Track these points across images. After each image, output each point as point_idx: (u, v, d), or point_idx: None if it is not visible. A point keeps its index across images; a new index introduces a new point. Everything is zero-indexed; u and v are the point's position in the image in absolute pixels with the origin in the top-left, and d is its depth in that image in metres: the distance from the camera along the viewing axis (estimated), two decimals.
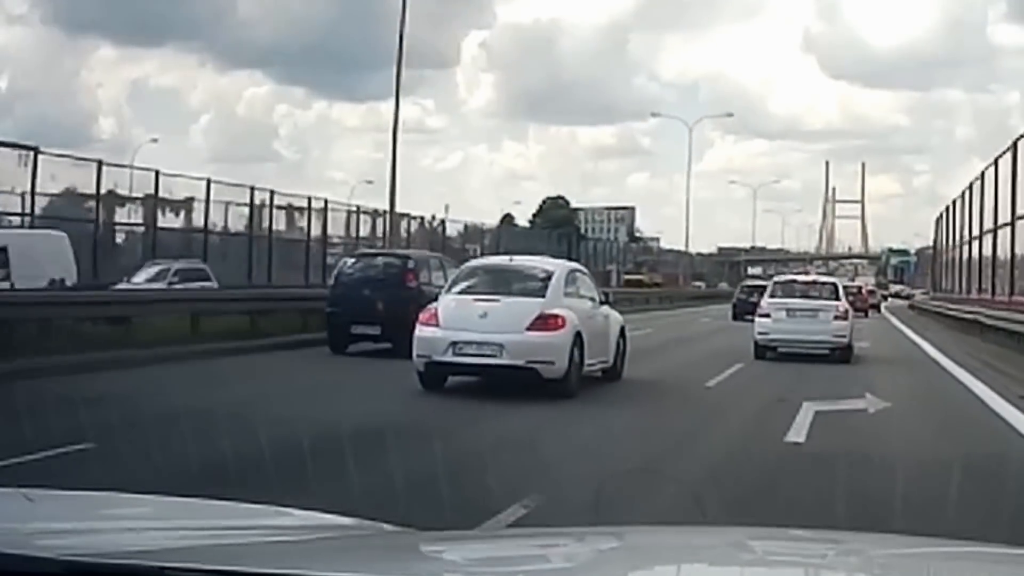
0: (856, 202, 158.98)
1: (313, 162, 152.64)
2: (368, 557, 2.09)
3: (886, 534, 2.87)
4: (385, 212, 37.43)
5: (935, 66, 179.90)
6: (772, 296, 20.02)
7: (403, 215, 39.94)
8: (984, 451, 8.93)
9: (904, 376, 16.77)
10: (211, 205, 29.43)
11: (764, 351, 18.85)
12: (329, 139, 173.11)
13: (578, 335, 12.49)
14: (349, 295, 17.43)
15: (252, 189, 31.98)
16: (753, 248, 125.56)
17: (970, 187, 29.98)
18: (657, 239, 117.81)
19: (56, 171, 24.47)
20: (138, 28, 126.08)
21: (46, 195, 24.49)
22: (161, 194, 28.07)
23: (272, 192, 33.37)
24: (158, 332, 17.08)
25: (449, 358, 12.21)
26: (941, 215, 42.42)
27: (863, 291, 48.42)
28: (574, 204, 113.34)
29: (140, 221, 27.80)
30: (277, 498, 2.77)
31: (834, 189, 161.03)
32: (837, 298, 19.72)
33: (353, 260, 19.18)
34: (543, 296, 12.63)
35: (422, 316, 12.73)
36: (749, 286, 38.59)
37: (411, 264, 17.55)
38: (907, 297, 77.54)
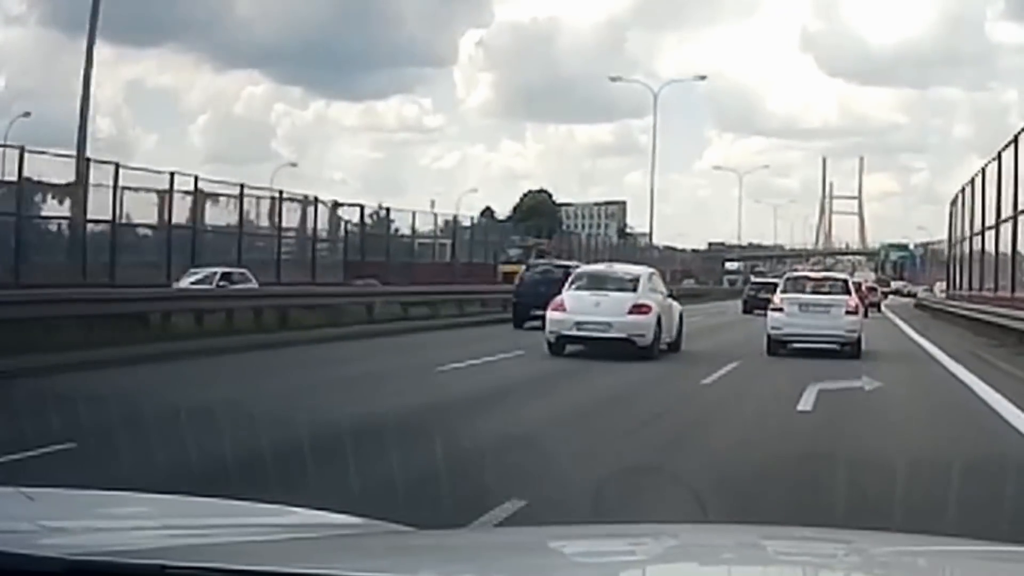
0: (853, 198, 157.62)
1: (311, 161, 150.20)
2: (370, 555, 2.11)
3: (890, 532, 2.98)
4: (315, 200, 33.60)
5: (933, 64, 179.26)
6: (784, 292, 20.43)
7: (340, 204, 36.02)
8: None
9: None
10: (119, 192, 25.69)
11: (778, 346, 19.40)
12: (327, 138, 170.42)
13: (658, 317, 18.14)
14: (528, 291, 25.17)
15: (172, 175, 27.70)
16: (750, 245, 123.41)
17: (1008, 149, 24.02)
18: (648, 235, 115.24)
19: None
20: (135, 28, 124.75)
21: None
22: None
23: (196, 178, 28.96)
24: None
25: (574, 332, 17.92)
26: (958, 196, 35.91)
27: (862, 288, 43.55)
28: (566, 199, 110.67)
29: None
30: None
31: (831, 184, 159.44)
32: (848, 293, 20.31)
33: (531, 267, 28.88)
34: (635, 291, 18.34)
35: (552, 304, 18.46)
36: (757, 283, 43.66)
37: (568, 271, 22.48)
38: (909, 295, 73.41)
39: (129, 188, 26.11)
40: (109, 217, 25.37)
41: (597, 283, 18.88)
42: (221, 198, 31.05)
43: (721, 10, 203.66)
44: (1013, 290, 23.25)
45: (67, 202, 25.10)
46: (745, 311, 37.59)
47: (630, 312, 17.72)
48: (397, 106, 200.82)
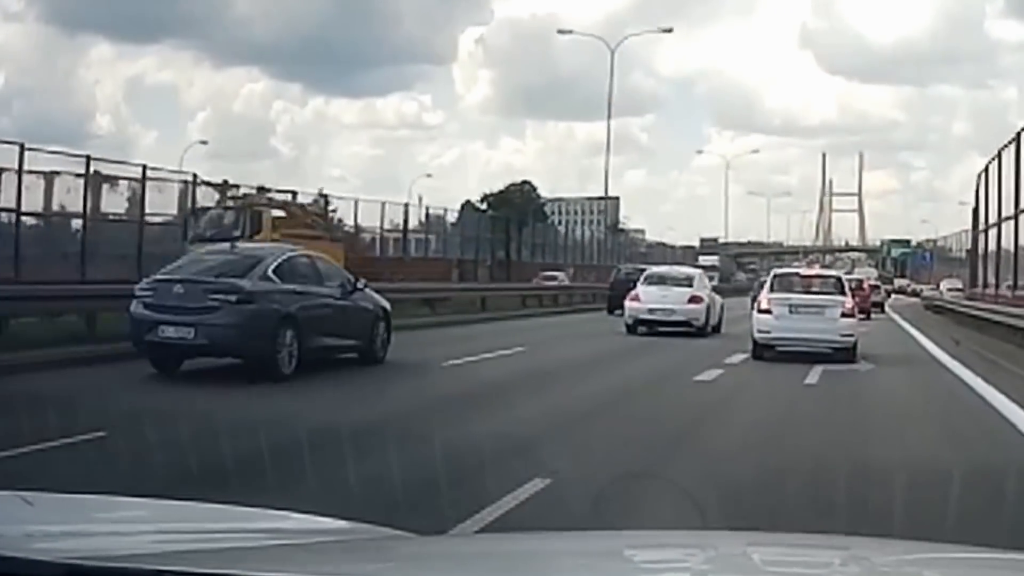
0: (853, 195, 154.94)
1: (311, 159, 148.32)
2: (367, 561, 2.12)
3: (890, 539, 3.04)
4: (235, 189, 29.58)
5: (933, 62, 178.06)
6: (772, 291, 18.78)
7: (266, 191, 31.75)
8: None
9: None
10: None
11: (763, 350, 17.96)
12: (326, 135, 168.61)
13: (707, 307, 24.05)
14: (620, 287, 30.60)
15: (89, 159, 24.18)
16: (749, 242, 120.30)
17: None
18: (642, 231, 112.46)
19: None
20: (134, 25, 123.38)
21: None
22: None
23: (88, 158, 24.59)
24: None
25: (648, 317, 23.74)
26: (989, 167, 30.23)
27: (864, 285, 38.69)
28: (558, 194, 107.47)
29: None
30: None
31: (831, 181, 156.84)
32: (843, 293, 18.73)
33: (622, 270, 36.76)
34: (691, 287, 24.24)
35: (630, 296, 24.68)
36: (763, 283, 44.38)
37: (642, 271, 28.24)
38: (914, 293, 68.95)
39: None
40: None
41: (663, 280, 24.86)
42: (121, 182, 26.88)
43: (720, 8, 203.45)
44: None
45: None
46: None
47: (689, 302, 23.74)
48: (397, 103, 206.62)
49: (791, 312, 17.91)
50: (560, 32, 57.70)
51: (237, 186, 30.89)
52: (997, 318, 23.62)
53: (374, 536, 2.46)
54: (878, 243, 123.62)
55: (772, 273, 20.75)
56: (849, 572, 2.20)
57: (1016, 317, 21.23)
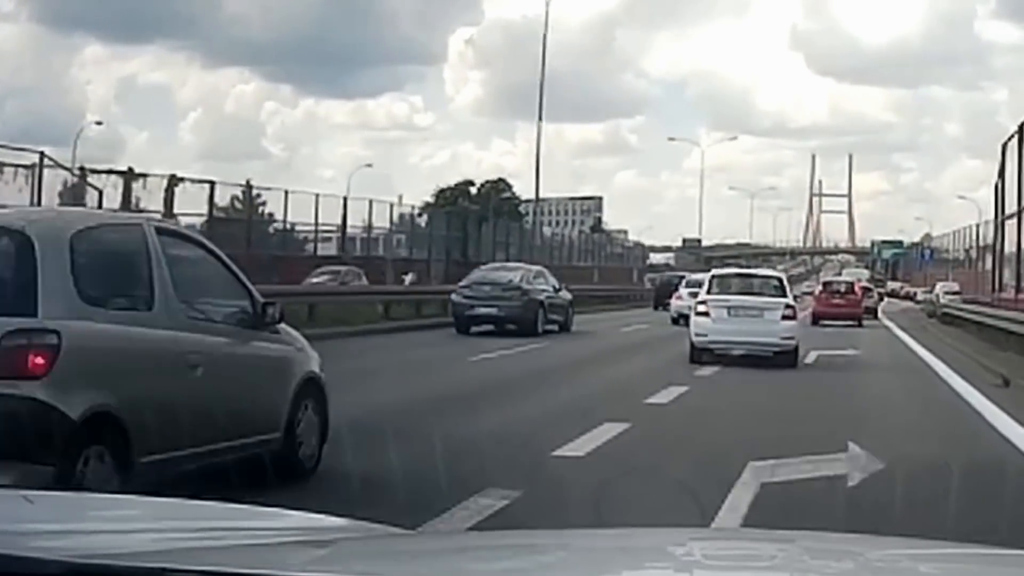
0: (843, 196, 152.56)
1: (302, 159, 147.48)
2: (369, 559, 2.11)
3: (886, 537, 2.97)
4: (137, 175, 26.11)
5: (924, 63, 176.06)
6: (710, 292, 18.09)
7: (179, 180, 28.08)
8: None
9: None
10: None
11: (701, 354, 17.07)
12: (317, 136, 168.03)
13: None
14: (664, 287, 39.15)
15: None
16: (738, 244, 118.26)
17: None
18: (625, 231, 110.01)
19: None
20: (125, 25, 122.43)
21: None
22: None
23: None
24: None
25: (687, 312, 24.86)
26: (1015, 137, 27.72)
27: (855, 289, 35.62)
28: (547, 195, 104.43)
29: None
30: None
31: (820, 182, 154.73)
32: (784, 295, 18.02)
33: (666, 275, 44.76)
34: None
35: (675, 296, 31.14)
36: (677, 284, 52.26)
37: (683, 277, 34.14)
38: (907, 296, 65.40)
39: None
40: None
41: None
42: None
43: (711, 9, 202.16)
44: None
45: None
46: None
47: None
48: (388, 104, 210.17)
49: (729, 314, 17.23)
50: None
51: (97, 171, 27.08)
52: None
53: (374, 534, 2.43)
54: (868, 244, 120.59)
55: (711, 274, 19.73)
56: (844, 568, 2.19)
57: None
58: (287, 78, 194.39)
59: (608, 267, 64.23)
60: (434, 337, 21.93)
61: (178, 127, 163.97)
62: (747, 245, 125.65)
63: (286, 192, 31.14)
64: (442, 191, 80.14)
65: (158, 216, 27.63)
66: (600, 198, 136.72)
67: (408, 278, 34.26)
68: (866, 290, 39.75)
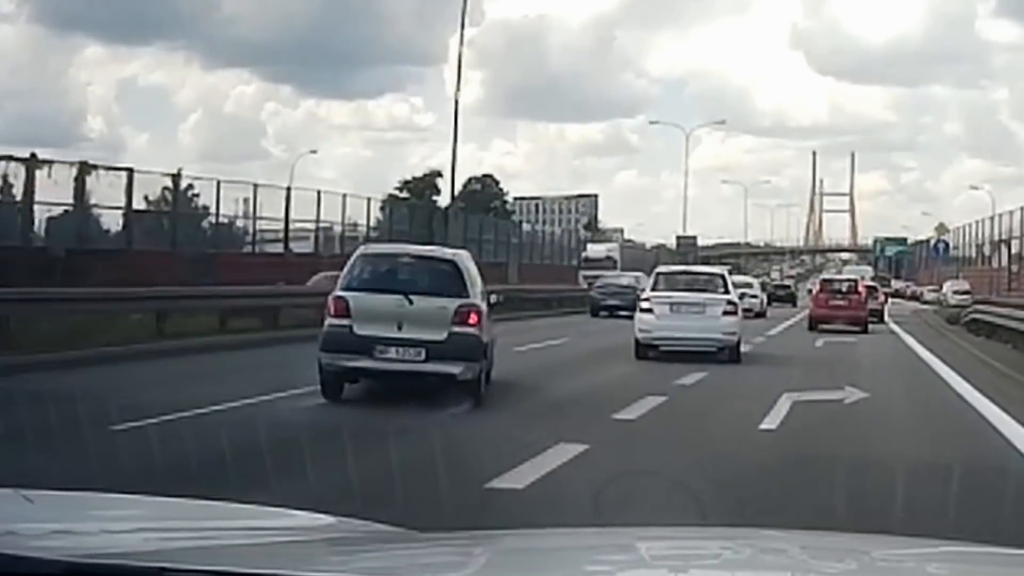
0: (844, 195, 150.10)
1: (302, 160, 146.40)
2: (370, 559, 2.11)
3: (888, 536, 3.01)
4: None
5: (924, 62, 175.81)
6: (655, 289, 18.50)
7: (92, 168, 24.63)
8: None
9: None
10: None
11: (646, 350, 17.53)
12: (318, 137, 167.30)
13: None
14: (607, 290, 37.06)
15: None
16: (739, 243, 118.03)
17: None
18: (620, 230, 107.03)
19: None
20: (125, 26, 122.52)
21: None
22: None
23: None
24: None
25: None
26: None
27: (858, 288, 30.06)
28: (537, 192, 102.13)
29: None
30: None
31: (821, 181, 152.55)
32: (726, 291, 18.28)
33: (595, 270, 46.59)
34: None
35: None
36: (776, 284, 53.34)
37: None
38: (913, 297, 61.74)
39: None
40: None
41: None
42: None
43: (711, 8, 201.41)
44: None
45: None
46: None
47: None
48: (388, 105, 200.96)
49: (672, 311, 17.68)
50: None
51: None
52: None
53: (370, 533, 2.43)
54: (870, 243, 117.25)
55: (656, 271, 20.20)
56: (848, 568, 2.18)
57: None
58: (287, 79, 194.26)
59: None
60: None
61: (178, 128, 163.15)
62: (747, 244, 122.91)
63: (218, 182, 27.58)
64: (407, 182, 75.41)
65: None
66: (595, 196, 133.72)
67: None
68: (870, 289, 33.55)
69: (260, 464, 6.56)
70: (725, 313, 17.52)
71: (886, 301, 39.09)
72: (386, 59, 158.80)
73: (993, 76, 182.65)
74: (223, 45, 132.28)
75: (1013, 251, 31.42)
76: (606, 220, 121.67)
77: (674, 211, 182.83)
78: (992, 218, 43.19)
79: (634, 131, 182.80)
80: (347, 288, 11.45)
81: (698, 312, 17.51)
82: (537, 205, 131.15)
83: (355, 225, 35.29)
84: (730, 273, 22.67)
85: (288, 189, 31.09)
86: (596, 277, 40.98)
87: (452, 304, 11.24)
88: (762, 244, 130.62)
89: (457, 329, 11.12)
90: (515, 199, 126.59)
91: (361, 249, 13.00)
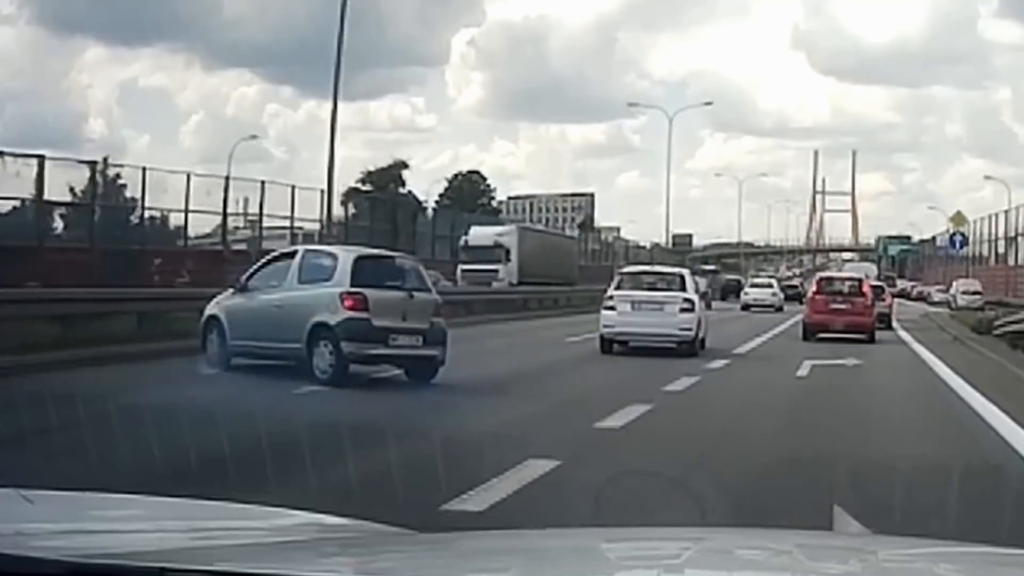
0: (846, 194, 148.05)
1: (303, 161, 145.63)
2: (369, 559, 2.11)
3: (892, 536, 2.93)
4: None
5: (927, 62, 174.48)
6: (618, 288, 19.73)
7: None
8: None
9: None
10: None
11: (611, 344, 18.77)
12: (319, 138, 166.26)
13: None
14: (729, 288, 46.16)
15: None
16: (740, 243, 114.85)
17: None
18: (617, 229, 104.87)
19: None
20: (126, 28, 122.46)
21: None
22: None
23: None
24: None
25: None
26: None
27: (863, 289, 25.27)
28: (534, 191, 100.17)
29: None
30: None
31: (823, 180, 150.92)
32: (684, 289, 19.36)
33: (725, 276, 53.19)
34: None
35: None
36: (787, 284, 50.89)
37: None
38: (921, 297, 58.73)
39: None
40: None
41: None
42: None
43: (713, 10, 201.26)
44: None
45: None
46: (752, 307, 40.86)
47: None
48: (389, 106, 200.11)
49: (633, 308, 18.78)
50: None
51: None
52: None
53: (373, 533, 2.44)
54: (872, 242, 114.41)
55: (620, 271, 21.42)
56: (852, 569, 2.16)
57: None
58: (288, 80, 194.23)
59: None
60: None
61: (179, 130, 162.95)
62: (747, 244, 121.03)
63: (143, 169, 24.57)
64: (370, 173, 71.02)
65: None
66: (591, 195, 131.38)
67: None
68: (876, 289, 28.64)
69: None
70: (682, 310, 18.60)
71: (893, 303, 35.24)
72: (387, 60, 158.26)
73: (995, 76, 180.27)
74: (224, 46, 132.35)
75: None
76: (607, 220, 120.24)
77: (675, 212, 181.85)
78: (1008, 211, 40.15)
79: (636, 132, 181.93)
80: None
81: (656, 309, 18.68)
82: (531, 204, 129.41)
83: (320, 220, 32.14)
84: (716, 273, 24.05)
85: (227, 179, 27.81)
86: (479, 273, 34.37)
87: (433, 298, 13.64)
88: (762, 244, 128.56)
89: (435, 320, 13.31)
90: (509, 198, 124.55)
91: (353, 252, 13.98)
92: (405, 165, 69.47)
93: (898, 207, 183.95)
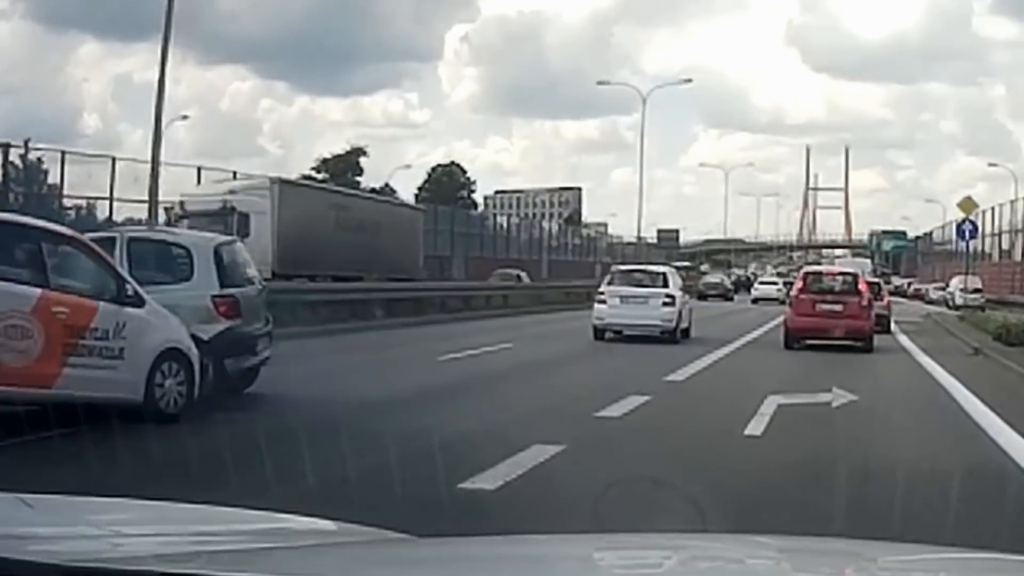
0: (839, 190, 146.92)
1: (297, 156, 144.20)
2: (365, 563, 2.12)
3: (892, 543, 2.84)
4: None
5: (921, 59, 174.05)
6: (609, 284, 22.29)
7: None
8: None
9: None
10: None
11: (602, 333, 21.47)
12: (313, 133, 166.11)
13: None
14: (744, 283, 57.43)
15: None
16: (733, 239, 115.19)
17: None
18: (604, 225, 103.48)
19: None
20: (120, 23, 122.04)
21: None
22: None
23: None
24: None
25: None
26: None
27: (859, 287, 21.33)
28: (522, 186, 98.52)
29: None
30: None
31: (816, 176, 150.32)
32: (667, 286, 21.86)
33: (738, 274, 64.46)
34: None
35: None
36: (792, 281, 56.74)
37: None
38: (917, 295, 56.46)
39: None
40: None
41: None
42: None
43: (708, 6, 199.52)
44: None
45: None
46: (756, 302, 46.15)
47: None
48: (383, 101, 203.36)
49: (622, 302, 21.55)
50: None
51: None
52: None
53: (370, 538, 2.44)
54: (865, 238, 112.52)
55: (611, 270, 25.04)
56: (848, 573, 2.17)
57: None
58: (283, 76, 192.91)
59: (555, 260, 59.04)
60: None
61: (174, 125, 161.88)
62: (738, 240, 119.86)
63: (62, 153, 22.12)
64: (326, 160, 67.74)
65: None
66: (579, 189, 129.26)
67: None
68: (872, 286, 24.39)
69: None
70: (664, 304, 21.42)
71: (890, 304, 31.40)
72: (381, 55, 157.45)
73: (991, 73, 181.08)
74: (218, 42, 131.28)
75: None
76: (600, 215, 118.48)
77: (668, 208, 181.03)
78: (1013, 201, 37.37)
79: (630, 128, 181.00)
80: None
81: (642, 303, 21.40)
82: (517, 199, 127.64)
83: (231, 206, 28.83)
84: (702, 271, 25.27)
85: (154, 161, 24.20)
86: None
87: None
88: (753, 240, 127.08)
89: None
90: (495, 192, 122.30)
91: None
92: (363, 152, 66.40)
93: (892, 204, 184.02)
